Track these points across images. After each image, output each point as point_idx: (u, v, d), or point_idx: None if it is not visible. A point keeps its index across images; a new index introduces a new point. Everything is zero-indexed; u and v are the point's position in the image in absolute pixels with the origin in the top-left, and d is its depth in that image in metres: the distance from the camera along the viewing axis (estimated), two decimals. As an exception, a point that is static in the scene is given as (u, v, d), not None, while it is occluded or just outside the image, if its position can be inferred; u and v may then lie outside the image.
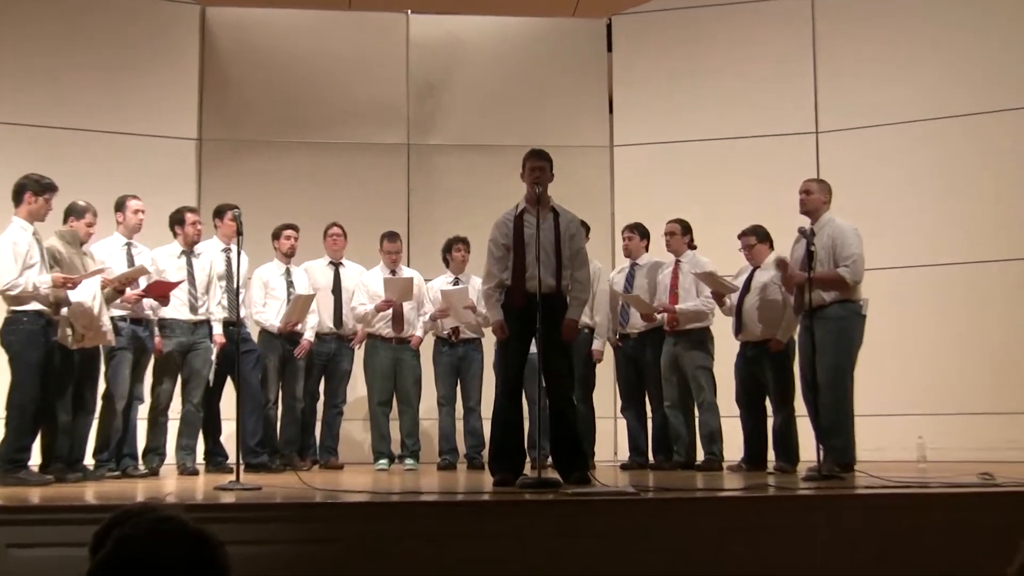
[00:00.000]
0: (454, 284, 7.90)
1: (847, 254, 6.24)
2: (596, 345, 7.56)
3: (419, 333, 7.88)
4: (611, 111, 9.54)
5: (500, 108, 9.47)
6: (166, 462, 7.12)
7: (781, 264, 6.49)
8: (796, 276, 6.32)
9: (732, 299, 7.07)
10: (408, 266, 8.42)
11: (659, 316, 7.37)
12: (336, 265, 8.00)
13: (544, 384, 5.52)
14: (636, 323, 7.52)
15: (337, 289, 7.90)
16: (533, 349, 5.69)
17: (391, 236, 7.95)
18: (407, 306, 7.76)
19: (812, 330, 6.12)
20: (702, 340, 7.29)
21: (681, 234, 7.46)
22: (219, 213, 7.52)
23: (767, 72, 9.15)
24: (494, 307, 5.77)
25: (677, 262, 7.46)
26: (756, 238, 7.07)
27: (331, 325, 7.81)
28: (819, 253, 6.18)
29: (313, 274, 7.93)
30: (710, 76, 9.27)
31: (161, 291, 6.69)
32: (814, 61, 9.04)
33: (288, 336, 7.54)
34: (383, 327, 7.76)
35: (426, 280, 8.09)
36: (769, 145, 9.02)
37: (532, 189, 5.77)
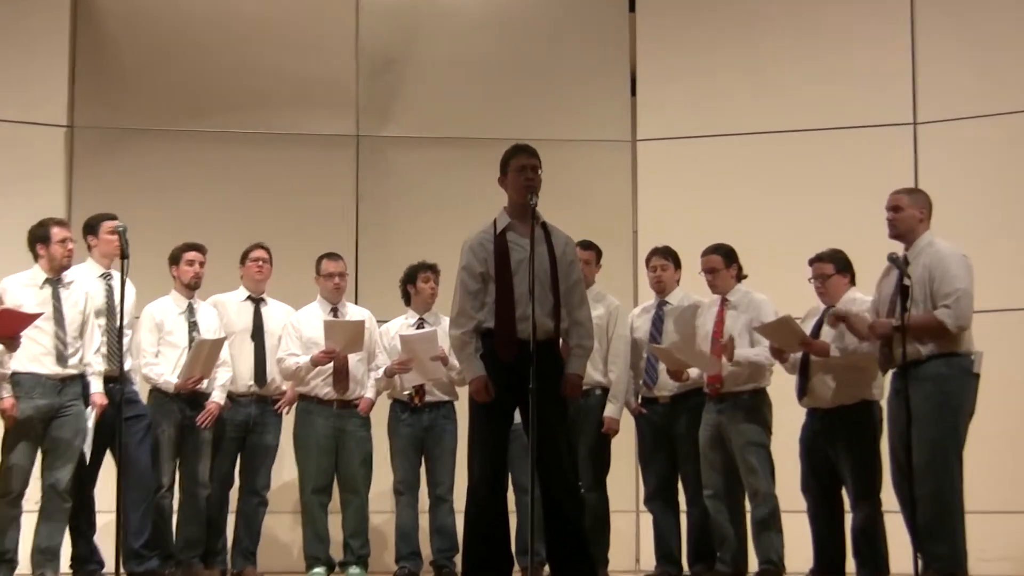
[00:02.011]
0: (418, 327, 7.88)
1: (947, 289, 6.23)
2: (611, 411, 7.53)
3: (369, 394, 7.87)
4: (633, 93, 9.63)
5: (481, 90, 9.56)
6: (16, 573, 7.00)
7: (835, 322, 6.51)
8: (879, 324, 6.35)
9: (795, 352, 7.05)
10: (355, 303, 8.45)
11: (695, 374, 7.38)
12: (257, 301, 7.99)
13: (538, 465, 5.53)
14: (667, 382, 7.52)
15: (259, 333, 7.90)
16: (518, 419, 5.73)
17: (333, 254, 7.97)
18: (354, 358, 7.73)
19: (906, 394, 6.10)
20: (756, 407, 7.27)
21: (725, 266, 7.44)
22: (94, 227, 7.51)
23: (844, 40, 9.24)
24: (471, 360, 5.82)
25: (724, 301, 7.46)
26: (834, 267, 7.05)
27: (250, 382, 7.79)
28: (913, 289, 6.20)
29: (226, 312, 7.92)
30: (767, 46, 9.37)
31: (8, 328, 6.56)
32: (912, 29, 9.13)
33: (190, 397, 7.52)
34: (320, 386, 7.74)
35: (379, 322, 8.10)
36: (847, 141, 9.09)
37: (522, 197, 5.79)
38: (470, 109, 9.51)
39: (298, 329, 7.82)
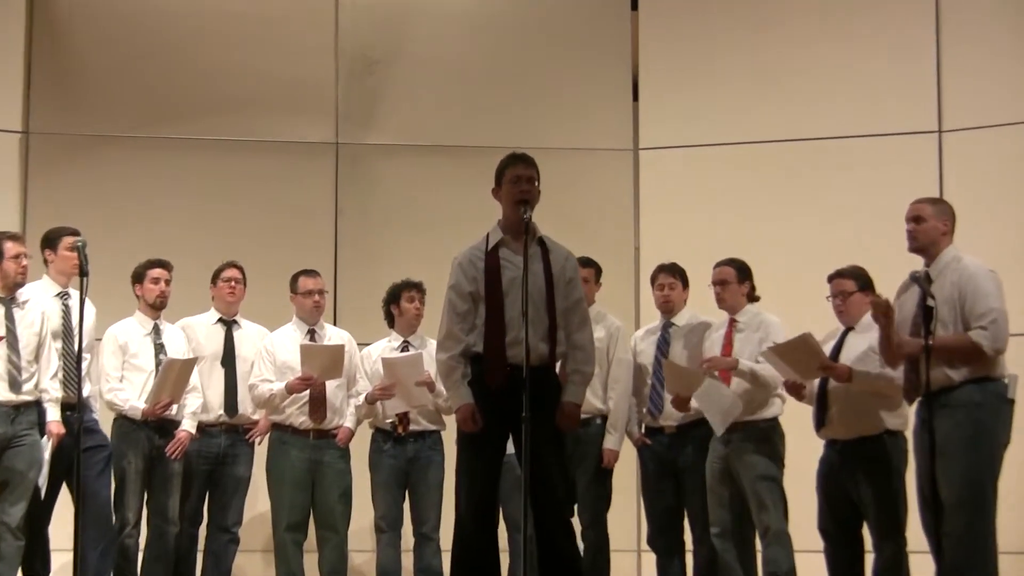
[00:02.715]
0: (402, 350, 7.88)
1: (982, 310, 6.19)
2: (610, 443, 7.53)
3: (349, 423, 7.82)
4: (635, 97, 9.66)
5: (471, 94, 9.61)
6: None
7: (879, 308, 6.34)
8: (905, 344, 6.30)
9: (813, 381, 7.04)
10: (334, 324, 8.44)
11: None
12: (229, 324, 8.00)
13: (532, 500, 5.54)
14: (673, 411, 7.51)
15: (230, 358, 7.90)
16: (510, 449, 5.79)
17: (310, 271, 7.96)
18: (332, 385, 7.72)
19: (932, 424, 6.10)
20: (767, 437, 7.30)
21: (738, 281, 7.47)
22: (53, 241, 7.48)
23: (864, 43, 9.28)
24: (458, 386, 5.86)
25: (732, 322, 7.46)
26: (856, 284, 7.06)
27: (220, 411, 7.79)
28: (939, 309, 6.19)
29: (195, 336, 7.94)
30: (780, 47, 9.43)
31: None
32: (937, 33, 9.16)
33: (157, 425, 7.51)
34: (296, 414, 7.71)
35: (360, 345, 8.08)
36: (867, 150, 9.14)
37: (515, 211, 5.79)
38: (459, 115, 9.55)
39: (272, 353, 7.80)
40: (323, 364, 7.57)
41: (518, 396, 5.49)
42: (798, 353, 6.85)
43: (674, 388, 7.36)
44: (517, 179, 5.90)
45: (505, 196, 5.93)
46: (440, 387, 7.29)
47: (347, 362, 7.74)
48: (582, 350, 5.90)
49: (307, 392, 7.64)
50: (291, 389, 7.61)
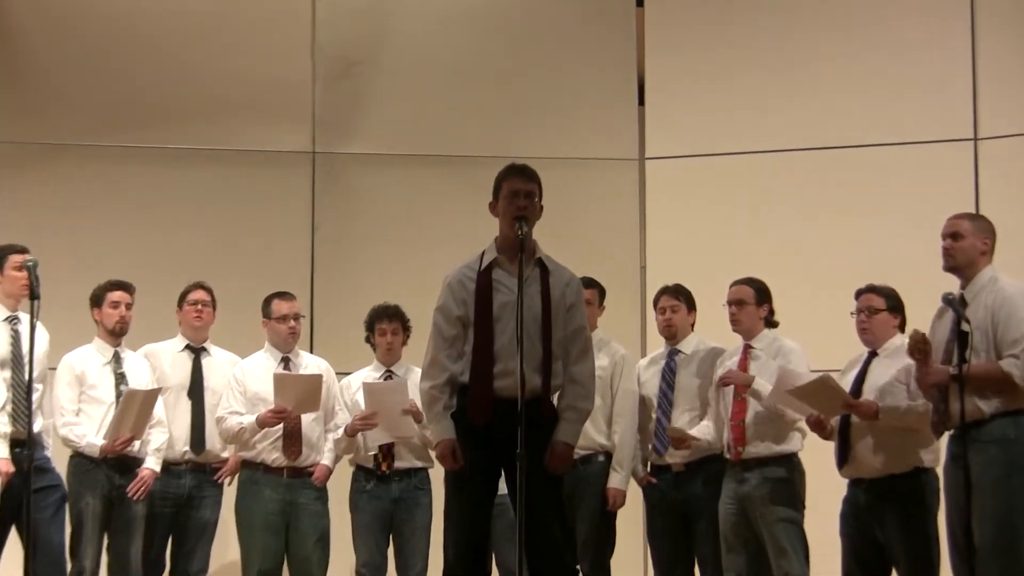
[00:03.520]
0: (386, 379, 7.88)
1: (1015, 335, 6.18)
2: (615, 482, 7.51)
3: (326, 460, 7.80)
4: (641, 102, 9.69)
5: (460, 99, 9.62)
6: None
7: (916, 344, 6.31)
8: (932, 372, 6.31)
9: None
10: (311, 351, 8.45)
11: (707, 437, 7.39)
12: (197, 351, 7.99)
13: (527, 545, 5.53)
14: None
15: (197, 389, 7.90)
16: (503, 488, 5.82)
17: (285, 294, 7.94)
18: (308, 418, 7.70)
19: (965, 461, 6.08)
20: (787, 477, 7.27)
21: (756, 303, 7.45)
22: (-1, 260, 7.48)
23: (893, 43, 9.28)
24: (439, 419, 5.85)
25: (747, 347, 7.45)
26: (885, 302, 7.05)
27: (185, 448, 7.79)
28: (973, 335, 6.15)
29: (159, 364, 7.93)
30: (801, 46, 9.43)
31: None
32: (972, 34, 9.16)
33: (118, 463, 7.47)
34: (268, 450, 7.68)
35: (340, 375, 8.08)
36: (896, 159, 9.15)
37: (512, 228, 5.80)
38: (448, 121, 9.57)
39: (242, 383, 7.77)
40: (298, 395, 7.54)
41: (508, 432, 5.48)
42: (820, 395, 6.84)
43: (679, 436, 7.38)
44: (514, 193, 5.88)
45: (502, 211, 5.91)
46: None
47: (324, 394, 7.72)
48: (580, 385, 5.88)
49: (280, 426, 7.61)
50: (263, 423, 7.56)
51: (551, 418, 5.79)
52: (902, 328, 7.03)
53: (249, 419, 7.62)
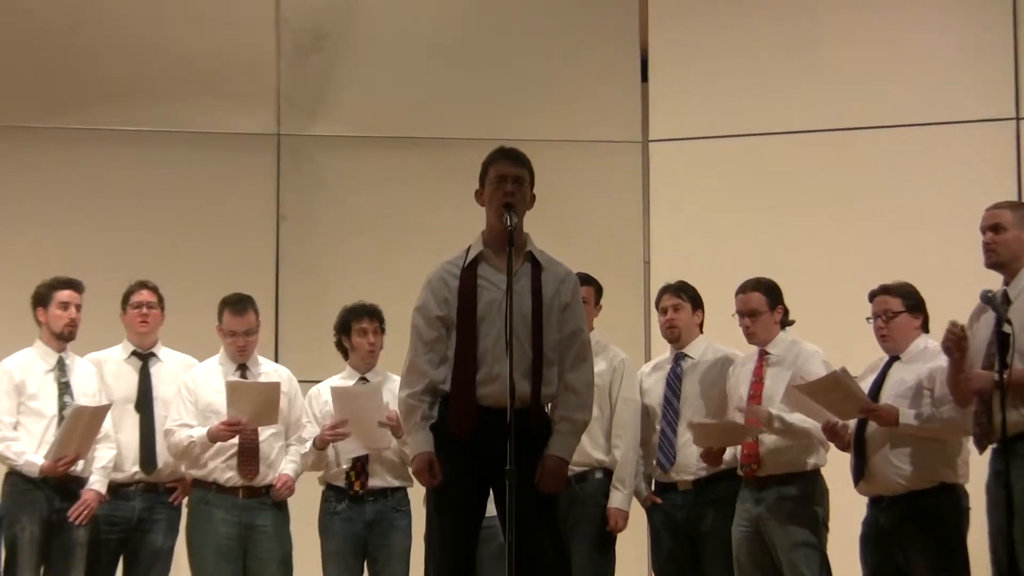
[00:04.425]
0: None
1: (1059, 339, 6.21)
2: (617, 501, 7.45)
3: (288, 470, 7.76)
4: (644, 78, 9.69)
5: (442, 75, 9.67)
6: None
7: (953, 337, 6.32)
8: (974, 377, 6.29)
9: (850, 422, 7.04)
10: (276, 359, 8.48)
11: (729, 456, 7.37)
12: (145, 357, 7.94)
13: (519, 573, 5.49)
14: (689, 462, 7.47)
15: (146, 401, 7.86)
16: (492, 510, 5.79)
17: (237, 305, 7.83)
18: (266, 431, 7.68)
19: (1007, 479, 6.07)
20: (807, 495, 7.21)
21: (769, 308, 7.40)
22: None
23: (922, 12, 9.34)
24: (416, 430, 5.81)
25: (763, 354, 7.41)
26: (903, 303, 6.99)
27: (135, 467, 7.76)
28: (1017, 337, 6.14)
29: (106, 372, 7.88)
30: (820, 19, 9.46)
31: None
32: (1014, 6, 9.19)
33: (60, 485, 7.42)
34: (221, 468, 7.63)
35: (307, 383, 8.07)
36: (928, 141, 9.20)
37: (499, 218, 5.78)
38: (428, 100, 9.62)
39: (193, 391, 7.72)
40: (254, 406, 7.50)
41: (494, 445, 5.47)
42: (831, 394, 6.82)
43: (705, 442, 7.32)
44: (501, 179, 5.85)
45: (488, 200, 5.90)
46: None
47: (285, 405, 7.70)
48: (575, 393, 5.85)
49: (235, 441, 7.55)
50: (214, 436, 7.51)
51: (542, 430, 5.76)
52: (925, 328, 7.01)
53: (200, 432, 7.57)
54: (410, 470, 5.95)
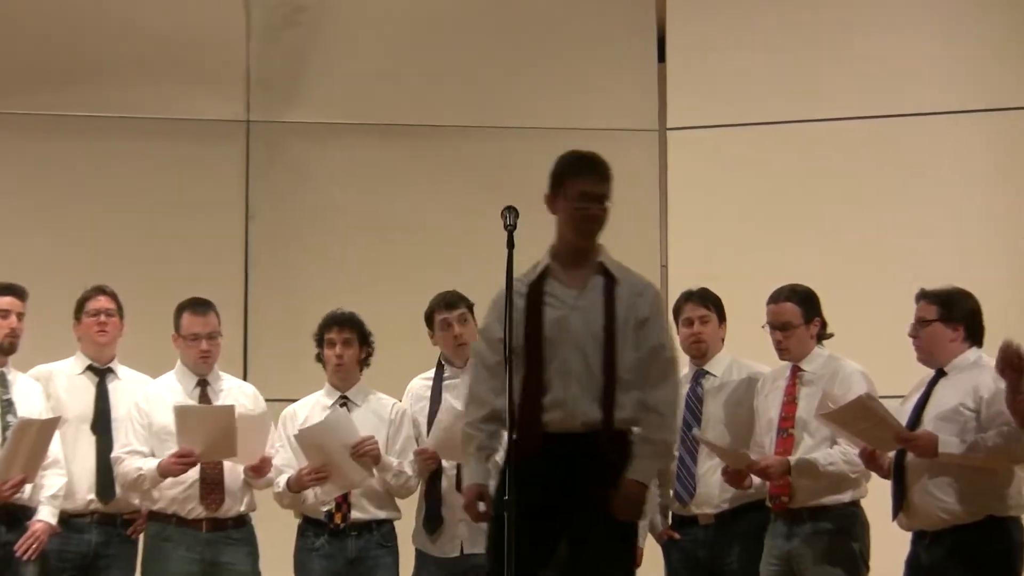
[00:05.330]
0: (340, 406, 7.76)
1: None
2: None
3: (260, 477, 7.65)
4: (661, 59, 9.73)
5: (436, 57, 9.69)
6: None
7: (1008, 357, 6.21)
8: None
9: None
10: (244, 376, 8.47)
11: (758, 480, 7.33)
12: (102, 372, 7.91)
13: None
14: (710, 493, 7.44)
15: (103, 421, 7.80)
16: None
17: (198, 307, 7.76)
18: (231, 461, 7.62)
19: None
20: (844, 529, 7.16)
21: (804, 321, 7.32)
22: None
23: None
24: (473, 460, 5.93)
25: (796, 370, 7.35)
26: (938, 311, 6.89)
27: (91, 495, 7.69)
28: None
29: (55, 390, 7.84)
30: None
31: None
32: None
33: (5, 513, 7.34)
34: (181, 499, 7.56)
35: (282, 402, 8.02)
36: (970, 128, 9.28)
37: (578, 235, 5.94)
38: (415, 83, 9.68)
39: (146, 412, 7.61)
40: (207, 434, 7.40)
41: (558, 474, 5.65)
42: (861, 422, 6.74)
43: (720, 458, 7.33)
44: (584, 196, 5.93)
45: (563, 213, 5.98)
46: (388, 459, 7.41)
47: (254, 432, 7.54)
48: (656, 413, 5.90)
49: (194, 471, 7.46)
50: (164, 472, 7.42)
51: (620, 455, 5.82)
52: (976, 341, 6.89)
53: (150, 465, 7.47)
54: (463, 502, 5.96)
